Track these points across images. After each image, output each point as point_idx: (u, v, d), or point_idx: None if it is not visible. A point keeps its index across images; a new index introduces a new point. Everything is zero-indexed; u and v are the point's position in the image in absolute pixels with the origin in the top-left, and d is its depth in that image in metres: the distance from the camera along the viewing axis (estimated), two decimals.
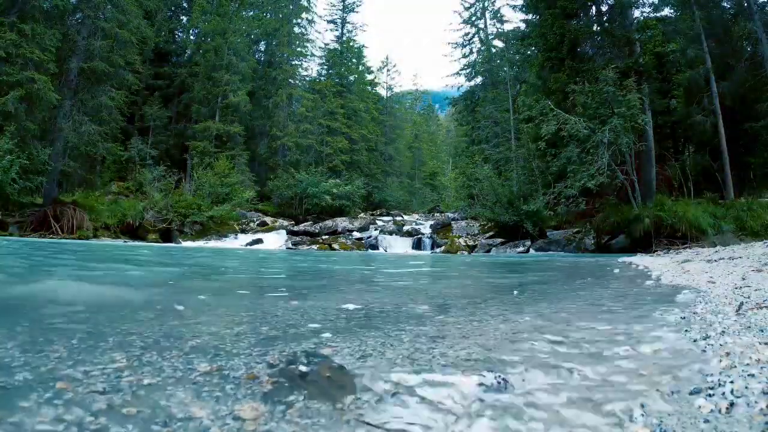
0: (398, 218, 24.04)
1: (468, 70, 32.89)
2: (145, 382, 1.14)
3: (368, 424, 0.92)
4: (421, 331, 1.92)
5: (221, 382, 1.16)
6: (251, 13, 31.40)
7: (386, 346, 1.59)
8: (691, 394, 0.96)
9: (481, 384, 1.10)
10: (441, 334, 1.85)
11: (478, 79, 32.43)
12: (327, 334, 1.82)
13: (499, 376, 1.14)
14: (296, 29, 35.51)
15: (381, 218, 24.09)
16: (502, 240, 16.80)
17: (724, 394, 0.94)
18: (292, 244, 17.85)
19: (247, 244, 17.24)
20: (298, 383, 1.14)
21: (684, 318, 2.08)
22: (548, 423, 0.91)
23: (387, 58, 45.98)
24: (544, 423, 0.90)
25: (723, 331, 1.64)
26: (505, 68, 29.62)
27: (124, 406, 0.97)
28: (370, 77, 38.48)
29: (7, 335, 1.57)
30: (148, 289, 3.67)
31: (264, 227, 20.39)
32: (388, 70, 40.98)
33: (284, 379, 1.16)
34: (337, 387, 1.12)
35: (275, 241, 18.13)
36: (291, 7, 34.57)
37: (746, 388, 0.96)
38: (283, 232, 19.52)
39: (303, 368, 1.24)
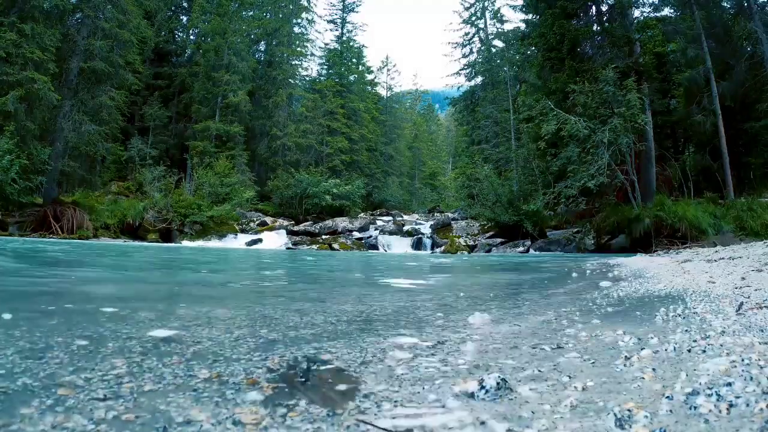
0: (398, 218, 24.03)
1: (468, 70, 32.90)
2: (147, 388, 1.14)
3: (369, 423, 0.92)
4: (421, 336, 1.91)
5: (221, 387, 1.16)
6: (251, 13, 31.38)
7: (386, 352, 1.59)
8: (690, 394, 0.96)
9: (481, 388, 1.10)
10: (440, 339, 1.84)
11: (478, 79, 32.44)
12: (327, 338, 1.82)
13: (499, 377, 1.14)
14: (296, 29, 35.52)
15: (381, 218, 24.08)
16: (502, 240, 16.80)
17: (723, 394, 0.94)
18: (292, 244, 17.85)
19: (247, 244, 17.24)
20: (298, 388, 1.14)
21: (684, 318, 2.08)
22: None
23: (387, 58, 46.08)
24: None
25: (723, 331, 1.64)
26: (505, 68, 29.62)
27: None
28: (370, 77, 38.49)
29: None
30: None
31: (264, 227, 20.39)
32: (388, 70, 41.01)
33: (284, 384, 1.16)
34: (338, 392, 1.12)
35: (275, 240, 18.14)
36: (291, 7, 34.55)
37: (746, 388, 0.96)
38: (283, 231, 19.54)
39: (303, 372, 1.25)
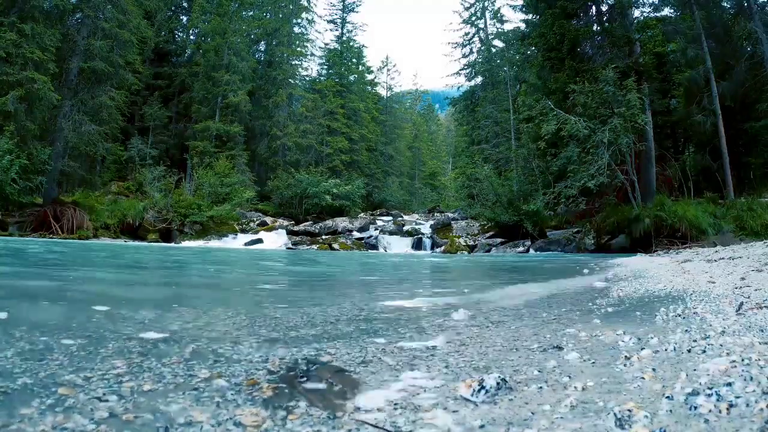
0: (398, 218, 24.03)
1: (468, 70, 32.91)
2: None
3: (368, 424, 0.92)
4: (422, 336, 1.91)
5: (222, 388, 1.15)
6: (251, 13, 31.39)
7: (386, 352, 1.59)
8: (690, 394, 0.96)
9: (481, 388, 1.10)
10: (440, 339, 1.84)
11: (478, 79, 32.45)
12: (327, 339, 1.82)
13: (499, 377, 1.14)
14: (296, 29, 35.53)
15: (381, 218, 24.08)
16: (502, 240, 16.80)
17: (723, 394, 0.94)
18: (292, 244, 17.85)
19: (247, 244, 17.24)
20: (298, 389, 1.14)
21: (684, 318, 2.08)
22: None
23: (387, 58, 46.12)
24: None
25: (723, 331, 1.64)
26: (505, 68, 29.63)
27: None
28: (370, 77, 38.49)
29: None
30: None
31: (264, 227, 20.39)
32: (388, 70, 41.00)
33: (285, 385, 1.16)
34: (338, 393, 1.12)
35: (275, 240, 18.14)
36: (291, 7, 34.56)
37: (746, 388, 0.96)
38: (283, 231, 19.53)
39: (303, 373, 1.24)
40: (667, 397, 0.97)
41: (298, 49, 34.80)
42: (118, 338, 1.70)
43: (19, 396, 1.05)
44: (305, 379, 1.22)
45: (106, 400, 1.03)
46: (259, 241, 17.82)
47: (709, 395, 0.94)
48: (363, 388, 1.17)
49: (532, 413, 0.97)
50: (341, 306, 2.90)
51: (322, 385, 1.17)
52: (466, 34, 33.21)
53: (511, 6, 30.44)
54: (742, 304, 2.25)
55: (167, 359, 1.41)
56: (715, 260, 6.00)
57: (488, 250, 16.16)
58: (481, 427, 0.92)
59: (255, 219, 21.65)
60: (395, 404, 1.06)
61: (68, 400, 1.03)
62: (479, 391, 1.09)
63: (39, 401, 1.01)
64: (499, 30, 31.45)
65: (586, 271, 6.59)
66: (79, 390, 1.09)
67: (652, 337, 1.64)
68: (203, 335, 1.82)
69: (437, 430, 0.91)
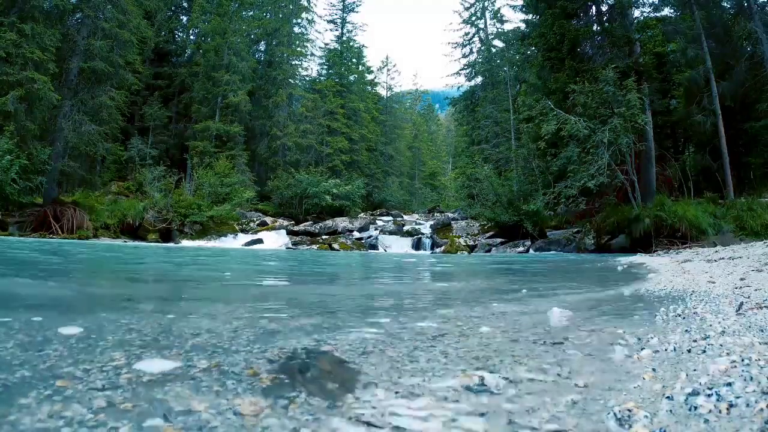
0: (398, 218, 24.03)
1: (468, 70, 32.95)
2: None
3: (369, 423, 0.92)
4: (422, 328, 1.92)
5: (221, 378, 1.15)
6: (251, 13, 31.42)
7: (386, 344, 1.59)
8: (690, 394, 0.96)
9: (481, 385, 1.10)
10: (441, 331, 1.85)
11: (478, 79, 32.49)
12: (327, 330, 1.82)
13: (499, 376, 1.14)
14: (296, 29, 35.56)
15: (381, 218, 24.08)
16: (502, 240, 16.79)
17: (723, 394, 0.94)
18: (292, 244, 17.86)
19: (247, 244, 17.24)
20: (298, 379, 1.13)
21: (684, 318, 2.08)
22: None
23: (387, 58, 46.16)
24: None
25: (723, 331, 1.63)
26: (505, 68, 29.67)
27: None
28: (370, 77, 38.51)
29: None
30: None
31: (264, 227, 20.40)
32: (388, 70, 41.03)
33: (284, 375, 1.16)
34: (338, 384, 1.12)
35: (275, 240, 18.13)
36: (291, 7, 34.59)
37: (746, 388, 0.96)
38: (283, 231, 19.53)
39: (303, 364, 1.24)
40: (667, 397, 0.97)
41: (298, 49, 34.82)
42: (117, 330, 1.69)
43: (17, 388, 1.05)
44: (305, 369, 1.21)
45: (106, 390, 1.03)
46: (259, 241, 17.83)
47: (709, 395, 0.94)
48: (363, 378, 1.17)
49: (532, 410, 0.97)
50: (341, 300, 2.90)
51: (321, 376, 1.17)
52: (466, 34, 33.26)
53: (511, 6, 30.57)
54: (742, 304, 2.25)
55: (167, 351, 1.41)
56: (715, 260, 6.00)
57: (488, 250, 16.16)
58: (481, 414, 0.91)
59: (255, 219, 21.66)
60: (396, 393, 1.05)
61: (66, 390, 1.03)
62: (480, 384, 1.09)
63: (37, 392, 1.01)
64: (499, 30, 31.50)
65: (585, 271, 6.54)
66: (78, 381, 1.09)
67: (652, 337, 1.64)
68: (203, 327, 1.82)
69: (437, 422, 0.91)
